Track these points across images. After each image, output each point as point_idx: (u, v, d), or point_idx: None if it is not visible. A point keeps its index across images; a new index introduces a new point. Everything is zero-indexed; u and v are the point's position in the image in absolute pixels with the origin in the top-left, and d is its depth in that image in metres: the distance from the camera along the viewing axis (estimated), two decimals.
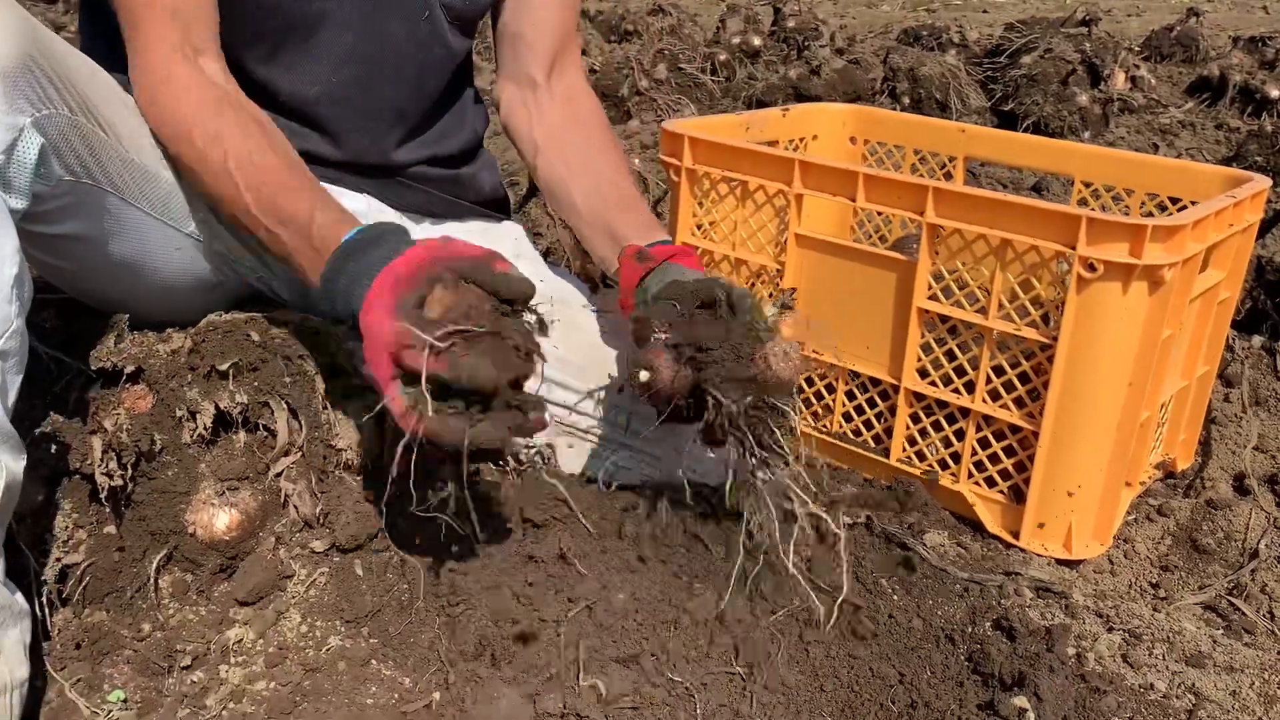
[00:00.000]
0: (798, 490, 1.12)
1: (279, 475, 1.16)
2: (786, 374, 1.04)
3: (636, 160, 2.47)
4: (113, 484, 1.10)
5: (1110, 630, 1.15)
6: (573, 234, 1.59)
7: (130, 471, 1.11)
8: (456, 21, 1.39)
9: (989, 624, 1.16)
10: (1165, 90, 3.93)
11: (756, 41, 4.43)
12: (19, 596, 0.98)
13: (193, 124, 1.12)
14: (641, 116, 3.72)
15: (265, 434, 1.18)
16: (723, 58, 4.20)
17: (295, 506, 1.16)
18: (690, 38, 4.46)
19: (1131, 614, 1.17)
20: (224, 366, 1.15)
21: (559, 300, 1.33)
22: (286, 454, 1.17)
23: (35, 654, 1.01)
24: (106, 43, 1.22)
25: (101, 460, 1.09)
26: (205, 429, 1.14)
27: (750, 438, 1.08)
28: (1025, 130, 3.34)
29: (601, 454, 1.32)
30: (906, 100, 3.52)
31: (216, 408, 1.14)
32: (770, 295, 1.10)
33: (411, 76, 1.37)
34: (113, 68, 1.18)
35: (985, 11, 6.38)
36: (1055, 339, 1.29)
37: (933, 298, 1.40)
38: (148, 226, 1.19)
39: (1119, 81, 3.57)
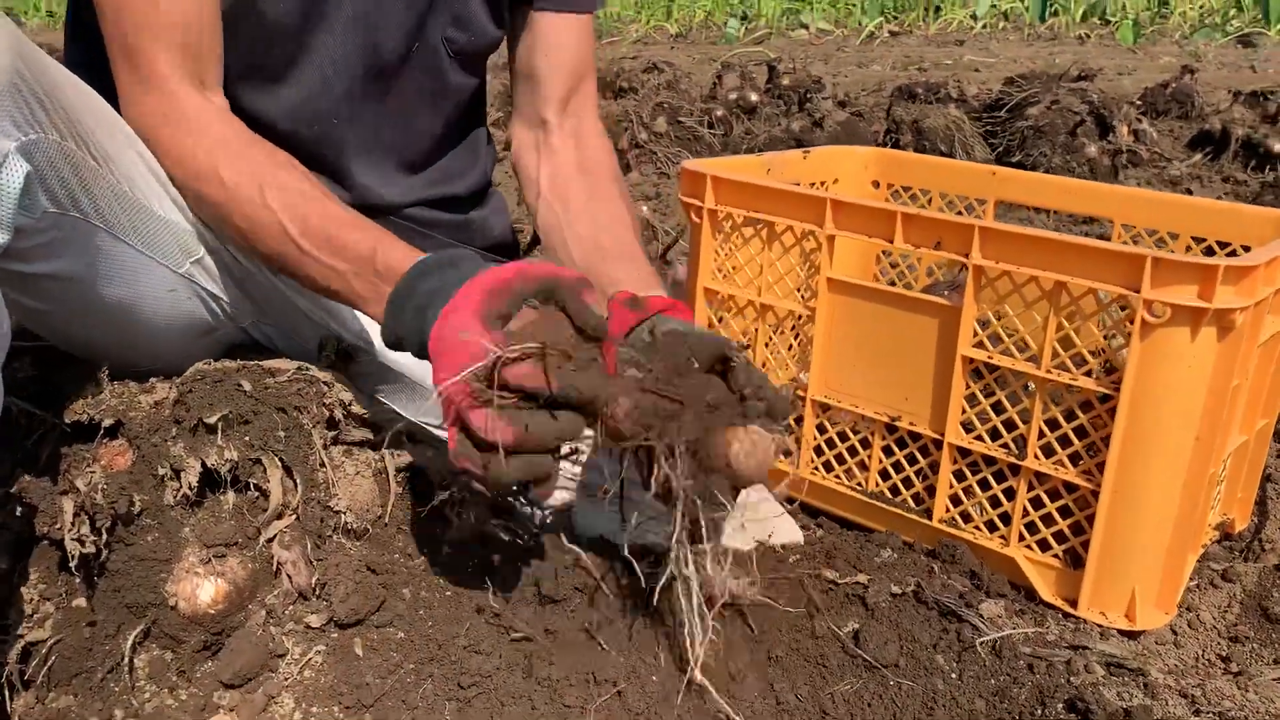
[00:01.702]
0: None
1: (271, 540, 1.04)
2: (746, 471, 0.90)
3: (645, 208, 2.39)
4: (84, 551, 0.98)
5: (1198, 713, 1.03)
6: None
7: (105, 537, 0.99)
8: (458, 56, 1.31)
9: (1060, 705, 1.04)
10: (1167, 144, 3.91)
11: (754, 97, 4.40)
12: None
13: (219, 161, 1.05)
14: (641, 169, 3.67)
15: (256, 494, 1.06)
16: (719, 113, 4.17)
17: (289, 576, 1.04)
18: (687, 93, 4.43)
19: (1220, 694, 1.06)
20: (212, 419, 1.04)
21: None
22: (280, 517, 1.05)
23: None
24: (89, 72, 1.13)
25: (73, 524, 0.97)
26: (190, 489, 1.02)
27: (685, 518, 0.93)
28: None
29: (619, 514, 1.20)
30: (910, 152, 3.48)
31: (203, 465, 1.03)
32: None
33: (408, 112, 1.29)
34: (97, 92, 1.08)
35: (977, 70, 6.41)
36: (1115, 390, 1.20)
37: (978, 345, 1.30)
38: (139, 265, 1.09)
39: (1123, 135, 3.55)
